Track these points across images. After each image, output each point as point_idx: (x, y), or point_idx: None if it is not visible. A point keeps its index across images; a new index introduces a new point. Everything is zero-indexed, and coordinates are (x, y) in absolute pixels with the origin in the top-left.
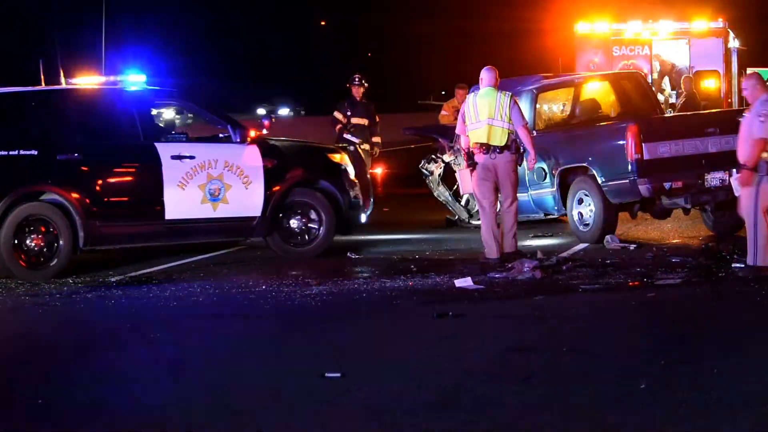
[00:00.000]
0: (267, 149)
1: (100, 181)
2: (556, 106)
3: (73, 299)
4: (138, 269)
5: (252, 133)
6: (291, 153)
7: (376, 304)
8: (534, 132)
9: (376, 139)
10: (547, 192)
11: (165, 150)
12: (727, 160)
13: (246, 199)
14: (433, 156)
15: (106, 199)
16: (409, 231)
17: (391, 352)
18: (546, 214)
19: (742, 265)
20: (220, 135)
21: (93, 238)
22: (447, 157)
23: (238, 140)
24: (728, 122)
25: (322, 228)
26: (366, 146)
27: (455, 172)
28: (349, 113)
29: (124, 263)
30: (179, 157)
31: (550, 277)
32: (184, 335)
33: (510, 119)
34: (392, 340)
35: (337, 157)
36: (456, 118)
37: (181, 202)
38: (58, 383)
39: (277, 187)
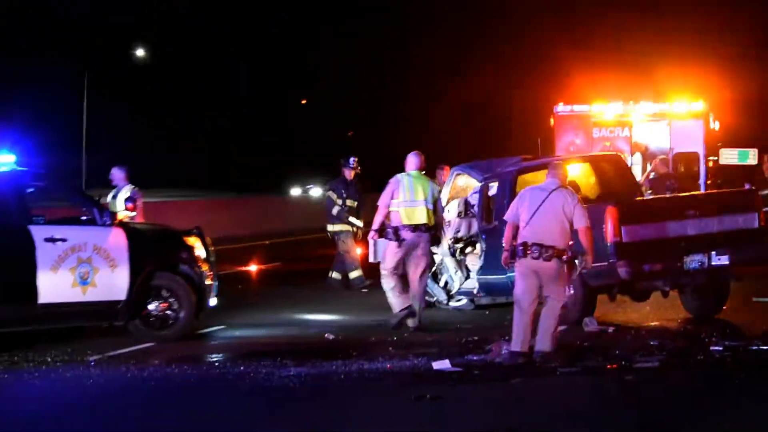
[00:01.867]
0: (131, 232)
1: None
2: None
3: (52, 378)
4: (116, 348)
5: (119, 216)
6: (152, 236)
7: (354, 386)
8: None
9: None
10: None
11: (38, 232)
12: (706, 243)
13: (112, 282)
14: None
15: None
16: (387, 311)
17: None
18: None
19: (721, 348)
20: (83, 217)
21: None
22: None
23: (107, 222)
24: (708, 205)
25: (182, 312)
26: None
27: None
28: (344, 195)
29: (102, 341)
30: (52, 240)
31: (528, 360)
32: (162, 416)
33: (435, 204)
34: (370, 423)
35: (191, 240)
36: None
37: (54, 285)
38: None
39: (141, 271)
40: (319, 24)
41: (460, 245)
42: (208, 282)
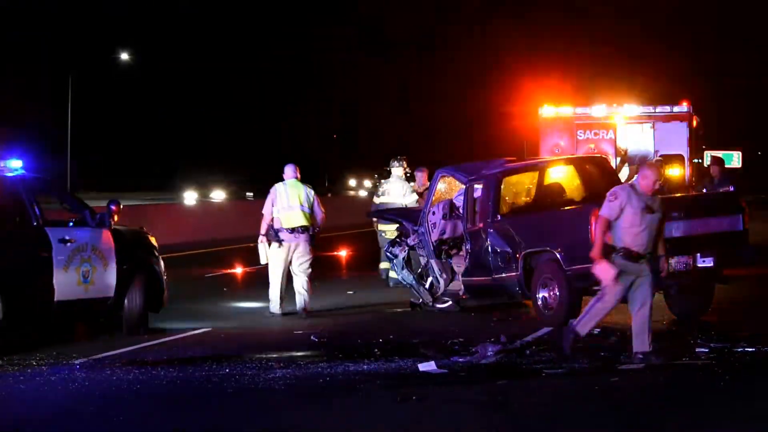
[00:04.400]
0: (115, 234)
1: (10, 264)
2: (520, 190)
3: (37, 381)
4: (102, 351)
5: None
6: (129, 237)
7: (340, 388)
8: (498, 216)
9: None
10: (512, 276)
11: (53, 234)
12: (691, 244)
13: (105, 280)
14: (397, 239)
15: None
16: (372, 314)
17: None
18: (510, 298)
19: (706, 350)
20: (73, 220)
21: None
22: (411, 241)
23: (106, 224)
24: (693, 207)
25: (153, 306)
26: None
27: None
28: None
29: (87, 344)
30: (64, 241)
31: (513, 362)
32: (147, 418)
33: (312, 208)
34: (355, 425)
35: (153, 240)
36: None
37: (66, 283)
38: None
39: (124, 269)
40: (302, 29)
41: (445, 247)
42: (165, 277)
